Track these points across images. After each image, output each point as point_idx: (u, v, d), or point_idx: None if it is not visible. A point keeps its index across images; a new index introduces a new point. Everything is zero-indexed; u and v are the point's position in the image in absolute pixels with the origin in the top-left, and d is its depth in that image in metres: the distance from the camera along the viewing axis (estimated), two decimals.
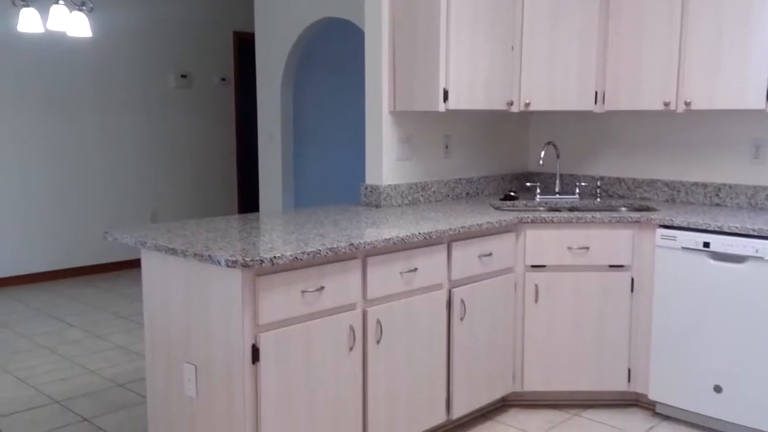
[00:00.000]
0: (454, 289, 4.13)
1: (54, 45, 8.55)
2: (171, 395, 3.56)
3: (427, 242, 3.95)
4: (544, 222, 4.51)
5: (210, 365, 3.30)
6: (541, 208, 5.12)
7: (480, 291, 4.30)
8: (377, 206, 4.85)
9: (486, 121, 5.62)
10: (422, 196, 5.11)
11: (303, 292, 3.31)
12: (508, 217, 4.44)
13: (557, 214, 4.53)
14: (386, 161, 4.87)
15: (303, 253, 3.23)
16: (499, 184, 5.73)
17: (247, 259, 3.03)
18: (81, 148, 8.86)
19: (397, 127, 4.91)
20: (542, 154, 5.17)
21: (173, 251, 3.30)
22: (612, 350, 4.61)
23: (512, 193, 5.30)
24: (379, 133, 4.85)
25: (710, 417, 4.37)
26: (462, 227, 4.08)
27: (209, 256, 3.12)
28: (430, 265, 3.97)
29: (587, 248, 4.52)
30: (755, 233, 4.09)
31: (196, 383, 3.38)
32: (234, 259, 3.02)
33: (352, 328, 3.56)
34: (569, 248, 4.52)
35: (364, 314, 3.64)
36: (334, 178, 8.52)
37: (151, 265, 3.59)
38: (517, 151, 5.93)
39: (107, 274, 9.08)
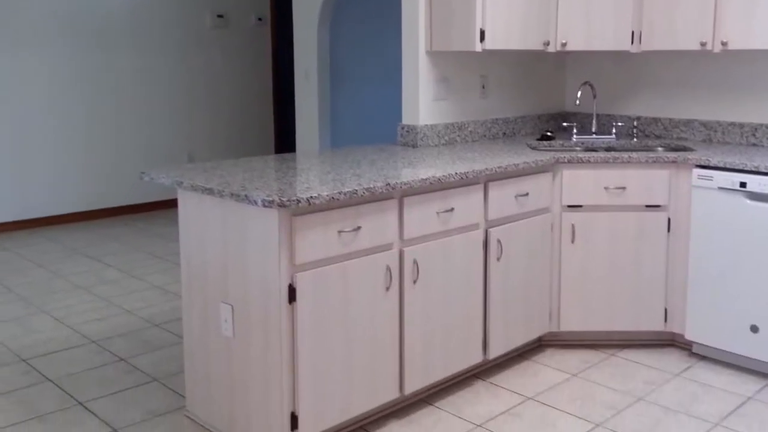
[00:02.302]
0: (490, 229, 4.12)
1: None
2: (207, 335, 3.59)
3: (463, 182, 3.93)
4: (580, 162, 4.47)
5: (247, 305, 3.32)
6: (578, 148, 5.07)
7: (516, 231, 4.28)
8: (414, 146, 4.83)
9: (522, 61, 5.55)
10: (459, 136, 5.08)
11: (339, 232, 3.31)
12: (545, 157, 4.41)
13: (594, 154, 4.49)
14: (423, 101, 4.84)
15: (340, 193, 3.23)
16: (536, 124, 5.68)
17: (284, 199, 3.03)
18: (117, 89, 8.87)
19: (433, 67, 4.87)
20: (579, 94, 5.11)
21: (210, 191, 3.30)
22: (648, 290, 4.60)
23: (549, 133, 5.25)
24: (415, 73, 4.81)
25: (747, 357, 4.36)
26: (498, 167, 4.05)
27: (246, 196, 3.12)
28: (467, 205, 3.95)
29: (624, 188, 4.48)
30: None
31: (233, 323, 3.41)
32: (271, 199, 3.02)
33: (388, 268, 3.56)
34: (606, 188, 4.49)
35: (401, 254, 3.64)
36: (371, 117, 8.47)
37: (188, 205, 3.60)
38: (553, 91, 5.86)
39: (142, 214, 9.15)
